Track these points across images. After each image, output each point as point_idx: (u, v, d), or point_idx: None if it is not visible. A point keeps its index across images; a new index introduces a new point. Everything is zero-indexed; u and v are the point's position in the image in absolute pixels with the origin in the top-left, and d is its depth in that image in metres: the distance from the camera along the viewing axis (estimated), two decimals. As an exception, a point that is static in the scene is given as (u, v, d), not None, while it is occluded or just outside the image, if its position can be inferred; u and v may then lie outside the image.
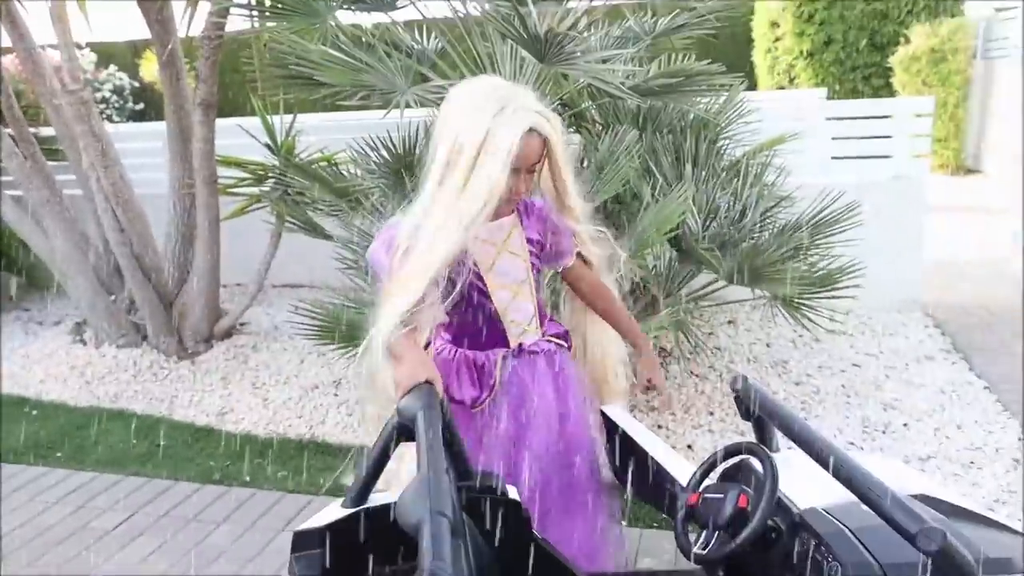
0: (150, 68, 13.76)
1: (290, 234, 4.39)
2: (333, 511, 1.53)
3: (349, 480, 3.02)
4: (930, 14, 10.03)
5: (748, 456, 1.48)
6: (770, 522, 1.42)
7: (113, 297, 4.54)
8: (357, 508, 1.52)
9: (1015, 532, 1.41)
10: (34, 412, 3.86)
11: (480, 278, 1.67)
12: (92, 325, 4.52)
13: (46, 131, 5.01)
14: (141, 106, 14.61)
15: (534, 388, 1.72)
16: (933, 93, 9.38)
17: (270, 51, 3.12)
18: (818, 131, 4.74)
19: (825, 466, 1.23)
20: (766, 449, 1.43)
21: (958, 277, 5.21)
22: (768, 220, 3.35)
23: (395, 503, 1.15)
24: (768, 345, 4.25)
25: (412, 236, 1.50)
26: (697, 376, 3.83)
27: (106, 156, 3.97)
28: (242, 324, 4.84)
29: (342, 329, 3.12)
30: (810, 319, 3.30)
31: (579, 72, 2.69)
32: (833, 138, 4.85)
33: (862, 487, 1.13)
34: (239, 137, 4.51)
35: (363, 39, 3.19)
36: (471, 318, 1.71)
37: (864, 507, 1.33)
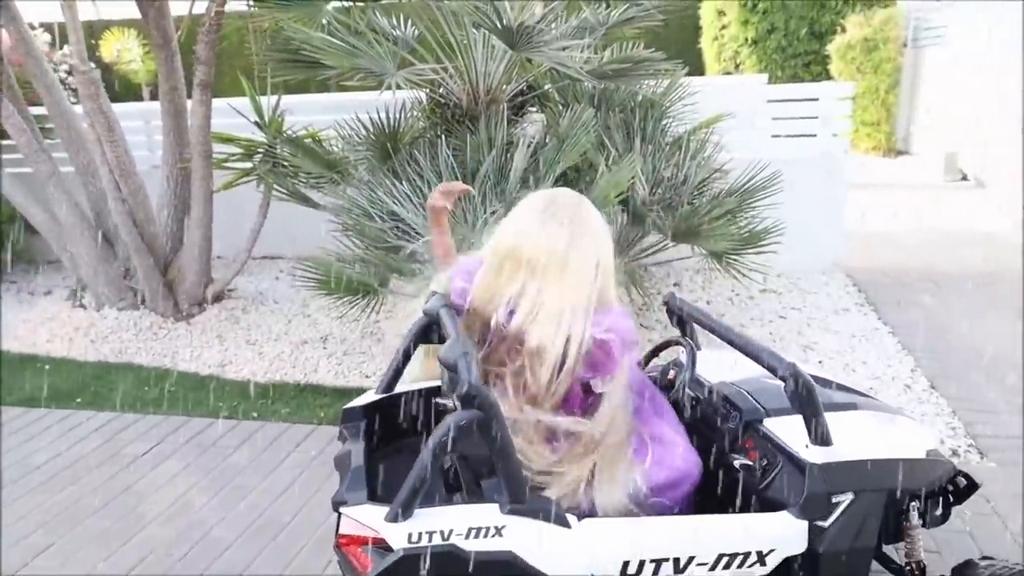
0: (109, 49, 13.73)
1: (267, 210, 4.78)
2: (369, 396, 2.01)
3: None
4: (865, 5, 10.66)
5: (676, 346, 2.00)
6: (690, 392, 1.95)
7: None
8: (386, 394, 2.00)
9: (874, 399, 1.96)
10: (46, 367, 4.22)
11: None
12: (93, 290, 4.86)
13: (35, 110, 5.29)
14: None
15: None
16: (866, 80, 10.10)
17: (272, 37, 3.52)
18: (760, 112, 5.29)
19: (728, 341, 1.74)
20: (688, 340, 1.95)
21: (881, 245, 5.86)
22: (705, 188, 3.89)
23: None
24: (708, 302, 4.80)
25: None
26: (646, 327, 4.35)
27: (112, 131, 4.32)
28: (229, 291, 5.22)
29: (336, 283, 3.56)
30: (741, 272, 3.85)
31: (545, 58, 3.17)
32: (773, 118, 5.40)
33: (747, 347, 1.65)
34: (224, 117, 4.88)
35: (351, 26, 3.61)
36: None
37: (758, 378, 1.86)
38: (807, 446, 1.57)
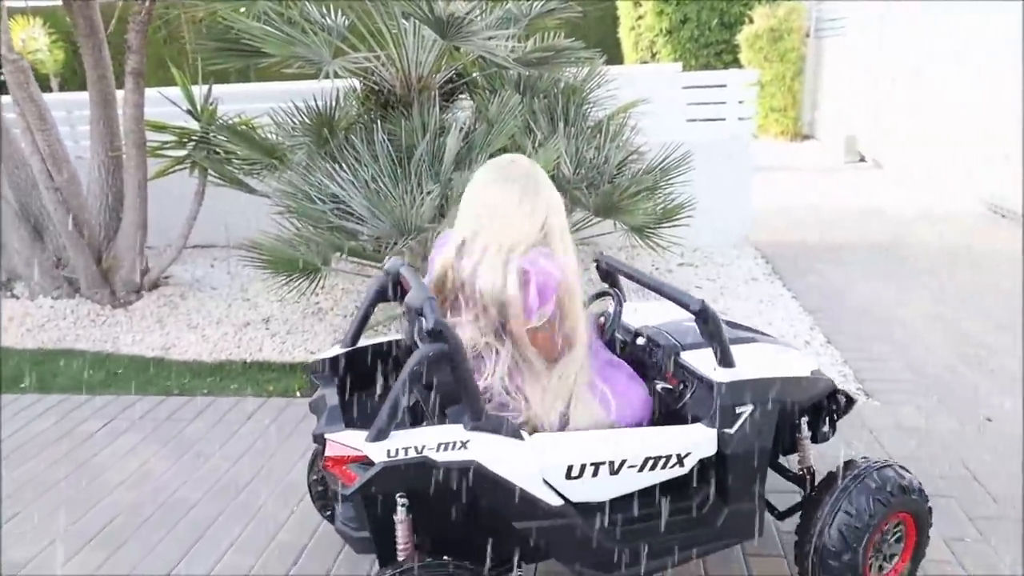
0: (16, 39, 13.21)
1: (203, 197, 4.87)
2: (335, 349, 2.22)
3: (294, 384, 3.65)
4: (770, -3, 11.24)
5: (606, 297, 2.29)
6: (619, 336, 2.24)
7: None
8: (350, 348, 2.21)
9: (770, 336, 2.29)
10: (-17, 356, 4.23)
11: None
12: (25, 280, 4.85)
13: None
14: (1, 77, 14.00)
15: None
16: (773, 68, 10.70)
17: (208, 27, 3.64)
18: (676, 98, 5.65)
19: (647, 286, 2.03)
20: (616, 291, 2.24)
21: (787, 221, 6.34)
22: (624, 168, 4.20)
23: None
24: (631, 276, 5.14)
25: None
26: (574, 299, 4.65)
27: (43, 120, 4.33)
28: (165, 278, 5.28)
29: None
30: (659, 245, 4.18)
31: (474, 46, 3.41)
32: (688, 104, 5.76)
33: (662, 289, 1.94)
34: (154, 106, 4.93)
35: (284, 15, 3.75)
36: None
37: (675, 321, 2.17)
38: (715, 369, 1.88)
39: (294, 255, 3.70)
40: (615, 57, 13.76)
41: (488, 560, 1.80)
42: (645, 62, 12.41)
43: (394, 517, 1.71)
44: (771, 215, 6.43)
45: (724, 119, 5.65)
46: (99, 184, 4.86)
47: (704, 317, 1.83)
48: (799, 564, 2.01)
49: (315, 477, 2.43)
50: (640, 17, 12.44)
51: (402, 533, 1.72)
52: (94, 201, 4.87)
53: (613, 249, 5.61)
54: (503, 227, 1.83)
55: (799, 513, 2.08)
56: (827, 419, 2.17)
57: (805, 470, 2.13)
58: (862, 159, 9.18)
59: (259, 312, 4.70)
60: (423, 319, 1.64)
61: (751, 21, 10.85)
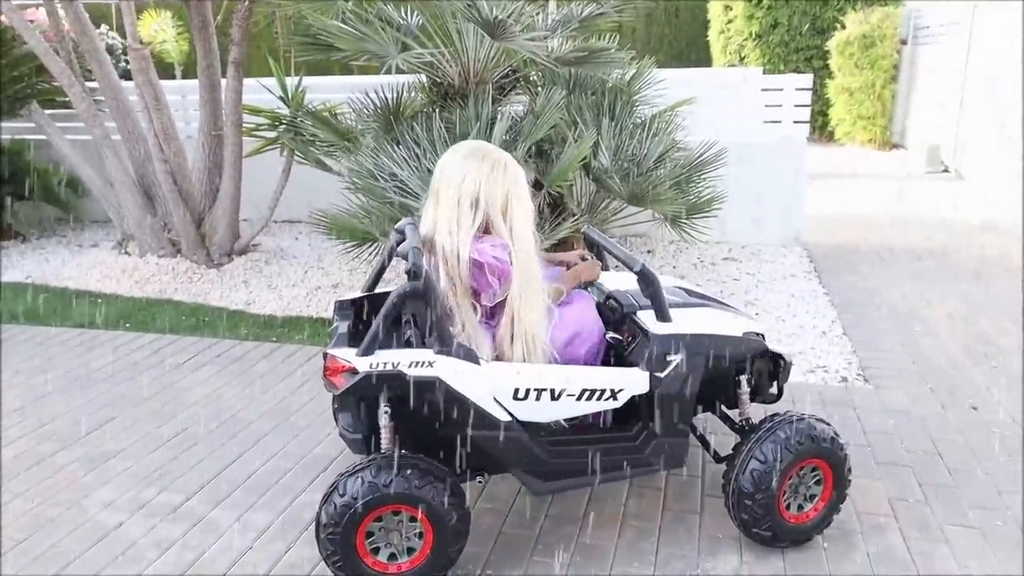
0: (147, 29, 14.48)
1: (289, 174, 5.49)
2: (355, 293, 2.68)
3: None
4: (864, 2, 11.12)
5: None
6: (593, 295, 2.60)
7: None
8: (367, 293, 2.67)
9: (731, 307, 2.61)
10: (98, 300, 4.96)
11: None
12: (138, 239, 5.59)
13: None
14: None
15: None
16: (863, 75, 10.61)
17: (295, 24, 4.20)
18: (754, 101, 5.90)
19: (612, 255, 2.40)
20: (590, 254, 2.61)
21: (845, 226, 6.46)
22: (664, 161, 4.52)
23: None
24: (674, 267, 5.44)
25: None
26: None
27: (158, 101, 5.03)
28: (254, 246, 5.94)
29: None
30: (690, 235, 4.48)
31: (517, 46, 3.82)
32: (766, 105, 5.97)
33: (620, 255, 2.30)
34: (253, 92, 5.58)
35: (362, 15, 4.27)
36: None
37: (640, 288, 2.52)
38: (653, 323, 2.23)
39: (357, 225, 4.22)
40: (704, 60, 13.86)
41: (458, 468, 2.22)
42: (733, 65, 12.48)
43: (380, 422, 2.15)
44: (831, 219, 6.58)
45: (780, 121, 5.85)
46: (202, 160, 5.54)
47: (643, 277, 2.19)
48: (726, 504, 2.33)
49: (336, 405, 2.90)
50: (730, 21, 12.52)
51: (385, 435, 2.15)
52: (197, 175, 5.56)
53: (663, 243, 5.92)
54: (447, 206, 2.16)
55: None
56: (773, 382, 2.47)
57: (743, 421, 2.44)
58: (945, 169, 9.04)
59: (330, 279, 5.27)
60: (409, 258, 2.07)
61: (843, 27, 10.76)
